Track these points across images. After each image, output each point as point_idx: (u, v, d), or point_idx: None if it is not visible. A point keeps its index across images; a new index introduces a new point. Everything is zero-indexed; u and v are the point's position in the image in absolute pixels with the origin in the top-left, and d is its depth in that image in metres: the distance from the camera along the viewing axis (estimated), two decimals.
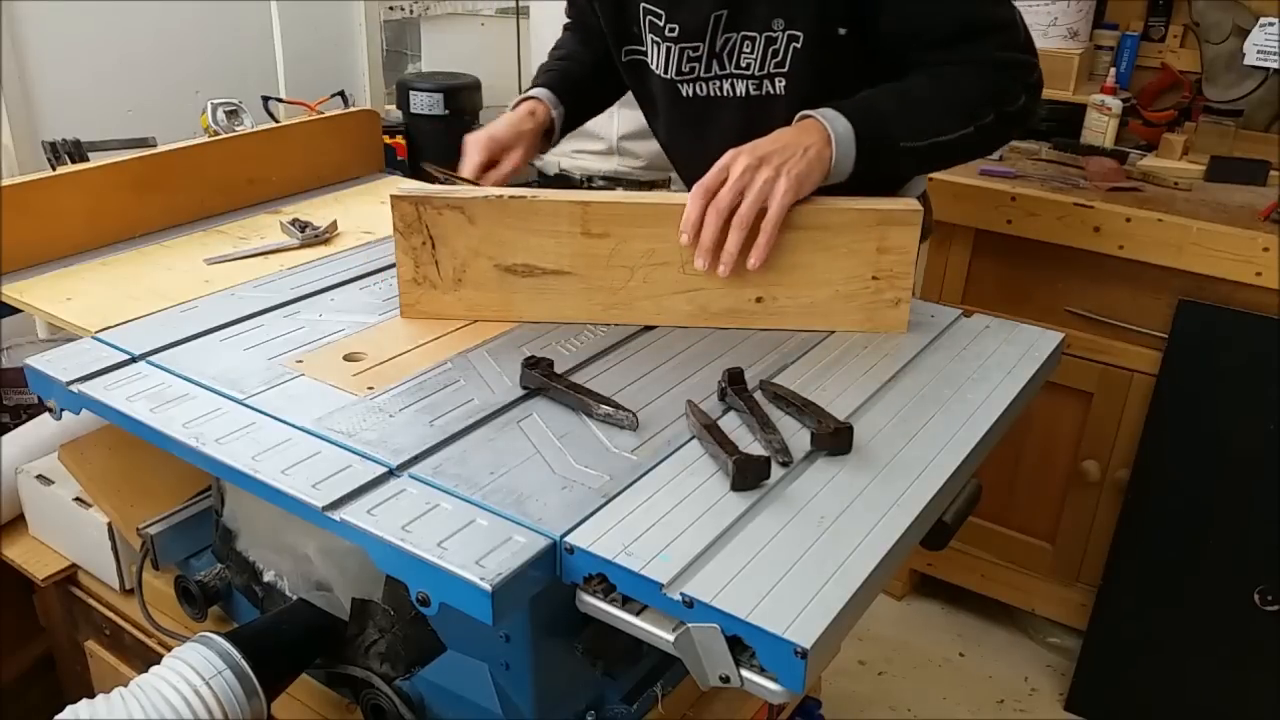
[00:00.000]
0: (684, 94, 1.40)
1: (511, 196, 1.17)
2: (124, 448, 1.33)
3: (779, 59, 1.31)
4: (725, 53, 1.34)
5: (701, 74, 1.37)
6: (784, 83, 1.33)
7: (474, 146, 1.39)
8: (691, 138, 1.45)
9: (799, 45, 1.29)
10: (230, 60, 2.48)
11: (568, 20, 1.64)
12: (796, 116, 1.24)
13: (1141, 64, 2.38)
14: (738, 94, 1.36)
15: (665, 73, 1.39)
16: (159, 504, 1.28)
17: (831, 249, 1.19)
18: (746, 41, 1.32)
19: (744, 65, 1.34)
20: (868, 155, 1.19)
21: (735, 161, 1.15)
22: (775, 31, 1.29)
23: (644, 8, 1.36)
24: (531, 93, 1.49)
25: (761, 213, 1.14)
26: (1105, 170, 2.08)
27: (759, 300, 1.22)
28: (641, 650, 0.91)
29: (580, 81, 1.53)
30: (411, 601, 0.83)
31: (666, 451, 0.97)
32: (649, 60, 1.41)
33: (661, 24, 1.35)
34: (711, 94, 1.39)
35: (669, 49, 1.37)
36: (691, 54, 1.36)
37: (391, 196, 1.18)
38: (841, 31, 1.27)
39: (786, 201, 1.13)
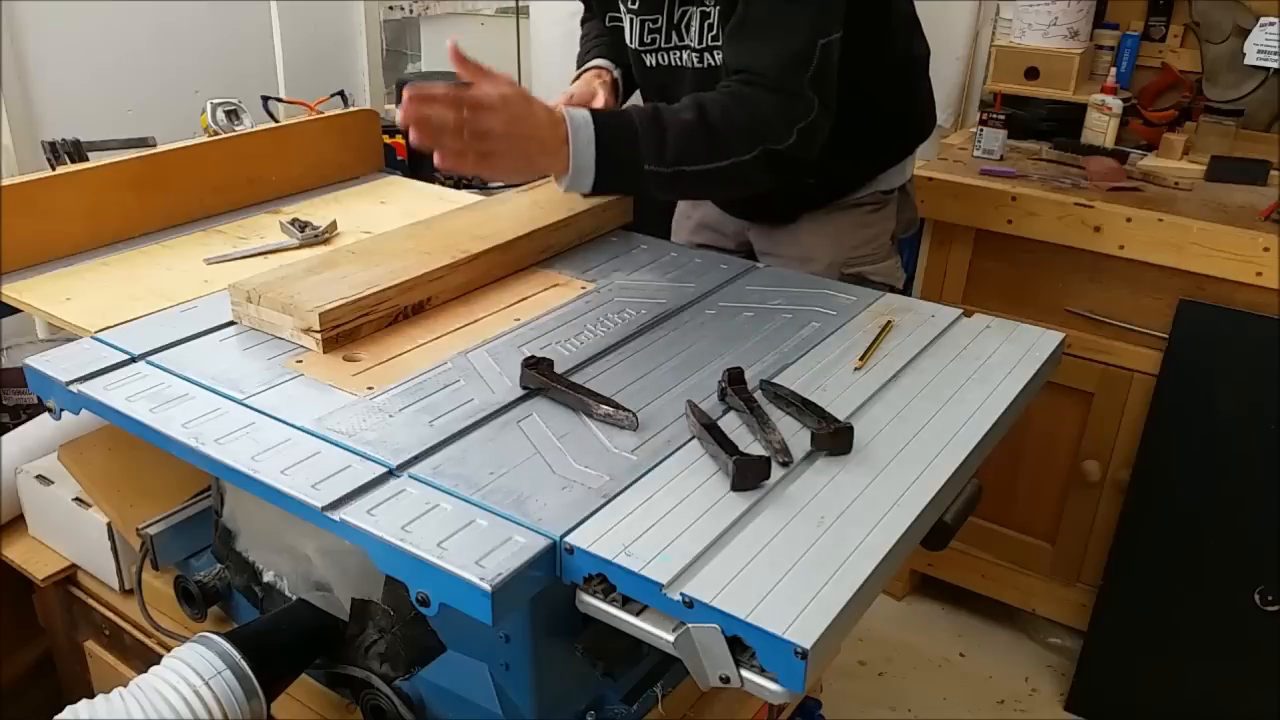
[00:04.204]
0: (648, 64, 1.48)
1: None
2: (124, 448, 1.33)
3: (714, 33, 1.38)
4: (682, 24, 1.41)
5: (662, 44, 1.45)
6: (720, 55, 1.38)
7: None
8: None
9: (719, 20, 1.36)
10: (230, 60, 2.48)
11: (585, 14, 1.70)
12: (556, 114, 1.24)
13: (1142, 64, 2.37)
14: (690, 65, 1.43)
15: (633, 43, 1.47)
16: (159, 504, 1.28)
17: None
18: (694, 15, 1.39)
19: (692, 37, 1.41)
20: (609, 170, 1.23)
21: (491, 106, 1.15)
22: (708, 7, 1.36)
23: None
24: (590, 64, 1.55)
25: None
26: (1106, 170, 2.07)
27: None
28: (641, 650, 0.91)
29: (621, 49, 1.57)
30: (411, 602, 0.83)
31: (666, 451, 0.97)
32: (625, 29, 1.49)
33: None
34: (672, 63, 1.46)
35: (632, 20, 1.45)
36: (651, 26, 1.44)
37: None
38: None
39: (476, 169, 1.18)
